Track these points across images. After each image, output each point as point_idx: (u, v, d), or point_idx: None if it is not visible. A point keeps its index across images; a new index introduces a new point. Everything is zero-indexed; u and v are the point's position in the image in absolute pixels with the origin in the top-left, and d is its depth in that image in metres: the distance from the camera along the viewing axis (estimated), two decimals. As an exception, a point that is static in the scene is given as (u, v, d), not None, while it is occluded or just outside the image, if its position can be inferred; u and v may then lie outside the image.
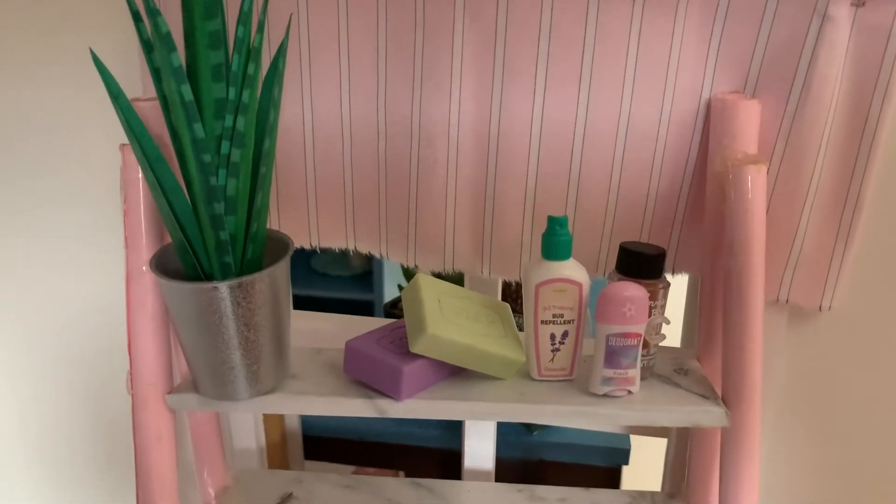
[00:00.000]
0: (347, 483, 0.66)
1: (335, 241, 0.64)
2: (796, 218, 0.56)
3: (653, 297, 0.54)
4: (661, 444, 0.76)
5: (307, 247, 0.64)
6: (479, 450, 0.73)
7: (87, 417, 0.80)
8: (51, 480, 0.84)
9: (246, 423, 0.76)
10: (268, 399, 0.54)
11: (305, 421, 0.87)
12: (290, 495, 0.65)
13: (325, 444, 0.94)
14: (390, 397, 0.53)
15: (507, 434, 0.88)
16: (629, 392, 0.54)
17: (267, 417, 0.79)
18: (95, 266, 0.72)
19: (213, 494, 0.64)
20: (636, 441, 0.86)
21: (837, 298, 0.58)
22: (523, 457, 0.89)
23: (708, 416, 0.52)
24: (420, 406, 0.53)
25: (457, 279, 0.61)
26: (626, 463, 0.89)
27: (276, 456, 0.83)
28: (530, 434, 0.89)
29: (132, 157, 0.51)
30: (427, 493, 0.65)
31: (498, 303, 0.59)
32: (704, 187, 0.56)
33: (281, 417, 0.83)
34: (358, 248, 0.64)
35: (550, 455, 0.89)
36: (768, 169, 0.54)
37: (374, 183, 0.61)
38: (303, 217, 0.63)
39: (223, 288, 0.49)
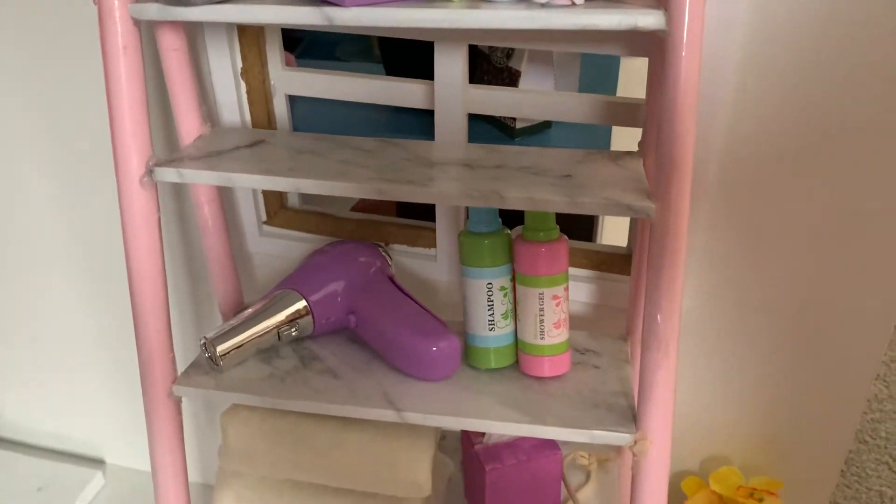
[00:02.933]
0: (317, 138, 0.70)
1: None
2: None
3: None
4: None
5: None
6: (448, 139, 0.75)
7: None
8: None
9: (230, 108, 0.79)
10: (223, 8, 0.56)
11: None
12: (261, 141, 0.69)
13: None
14: (338, 5, 0.55)
15: (488, 141, 0.90)
16: (573, 3, 0.54)
17: (255, 115, 0.82)
18: None
19: (189, 140, 0.68)
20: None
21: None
22: (504, 161, 0.92)
23: (646, 18, 0.52)
24: (365, 14, 0.55)
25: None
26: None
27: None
28: (512, 140, 0.91)
29: None
30: (392, 146, 0.68)
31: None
32: None
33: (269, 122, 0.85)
34: None
35: (530, 160, 0.91)
36: None
37: None
38: None
39: None
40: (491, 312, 0.67)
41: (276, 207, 0.89)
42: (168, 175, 0.61)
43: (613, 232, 1.05)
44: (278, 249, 0.88)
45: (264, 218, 0.88)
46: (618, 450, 0.83)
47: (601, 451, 0.83)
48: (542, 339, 0.66)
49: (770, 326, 0.79)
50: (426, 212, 0.85)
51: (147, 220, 0.62)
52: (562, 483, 0.72)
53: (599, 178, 0.62)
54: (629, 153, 0.68)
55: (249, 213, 0.87)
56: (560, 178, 0.61)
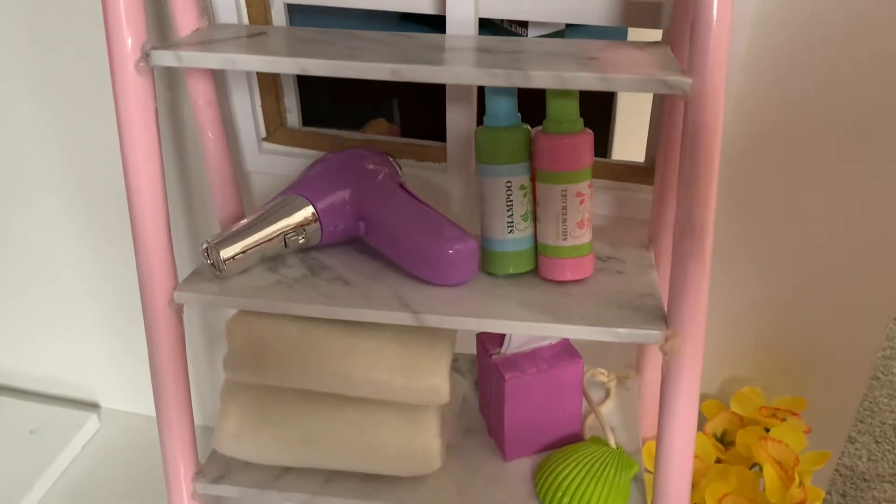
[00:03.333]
0: (322, 31, 0.65)
1: None
2: None
3: None
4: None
5: None
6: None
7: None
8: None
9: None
10: None
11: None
12: (262, 33, 0.64)
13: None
14: None
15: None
16: None
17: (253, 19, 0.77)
18: None
19: (185, 33, 0.64)
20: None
21: None
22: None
23: None
24: None
25: None
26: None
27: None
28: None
29: None
30: (403, 38, 0.64)
31: None
32: None
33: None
34: None
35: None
36: None
37: None
38: None
39: None
40: (510, 214, 0.63)
41: (276, 124, 0.85)
42: (165, 58, 0.56)
43: (625, 152, 1.02)
44: (278, 167, 0.84)
45: (263, 135, 0.84)
46: (637, 367, 0.80)
47: (620, 370, 0.80)
48: (564, 239, 0.62)
49: (792, 249, 0.76)
50: (433, 135, 0.82)
51: (143, 109, 0.58)
52: (582, 396, 0.69)
53: (627, 59, 0.58)
54: (654, 42, 0.64)
55: (248, 129, 0.82)
56: (586, 60, 0.57)
